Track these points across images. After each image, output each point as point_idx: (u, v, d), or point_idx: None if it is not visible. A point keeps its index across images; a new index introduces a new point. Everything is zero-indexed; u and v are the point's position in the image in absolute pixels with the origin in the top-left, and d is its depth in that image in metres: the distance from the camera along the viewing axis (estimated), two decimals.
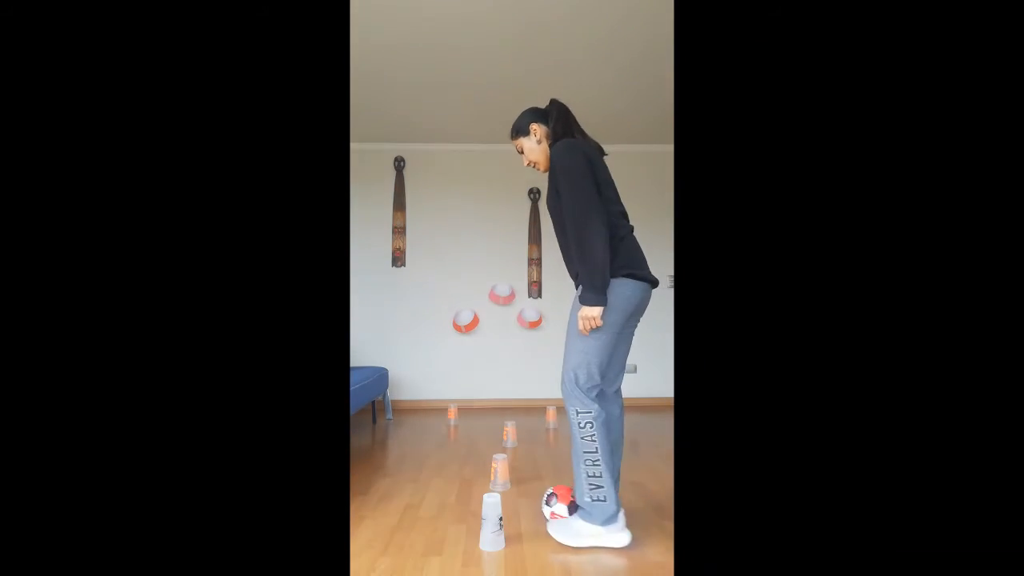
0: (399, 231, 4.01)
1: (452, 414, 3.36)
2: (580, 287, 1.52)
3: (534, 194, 4.07)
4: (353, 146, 4.03)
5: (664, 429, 3.13)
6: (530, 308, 4.01)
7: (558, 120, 1.63)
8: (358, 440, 2.93)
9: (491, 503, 1.50)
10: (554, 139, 1.62)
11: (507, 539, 1.56)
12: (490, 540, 1.49)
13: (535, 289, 4.04)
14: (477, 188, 4.05)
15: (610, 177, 1.59)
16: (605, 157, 1.66)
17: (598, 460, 1.48)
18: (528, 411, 3.76)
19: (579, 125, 1.67)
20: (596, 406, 1.50)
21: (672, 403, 3.97)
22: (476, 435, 3.01)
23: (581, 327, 1.47)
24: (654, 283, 1.55)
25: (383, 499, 1.93)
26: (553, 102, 1.68)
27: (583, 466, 1.50)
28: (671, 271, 4.09)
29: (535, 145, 1.67)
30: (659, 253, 4.07)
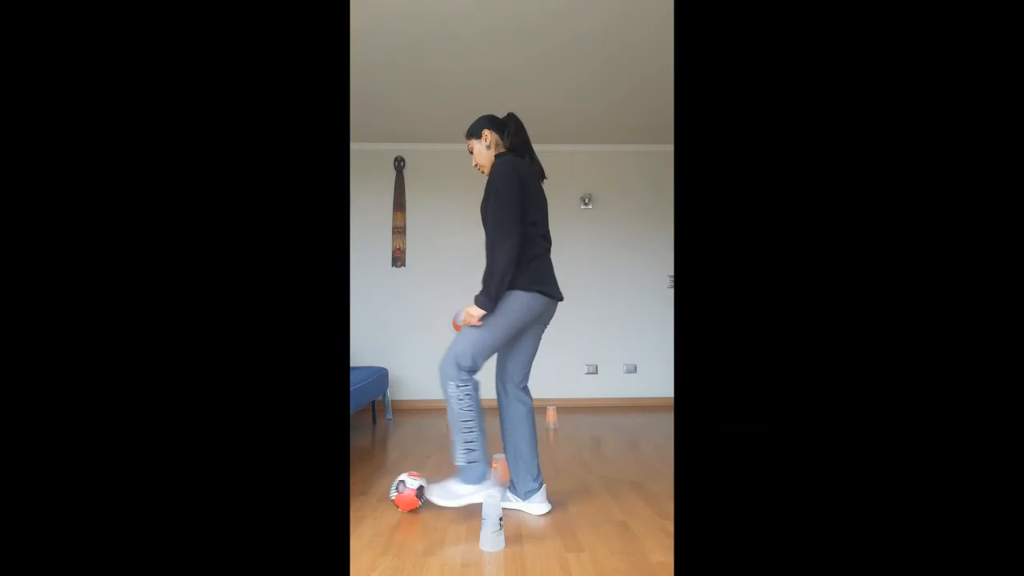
0: (399, 231, 4.01)
1: None
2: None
3: None
4: (353, 146, 4.03)
5: (664, 429, 3.13)
6: None
7: (515, 133, 1.79)
8: (358, 440, 2.93)
9: (491, 503, 1.50)
10: (507, 150, 1.79)
11: (507, 539, 1.56)
12: (490, 540, 1.49)
13: None
14: (477, 188, 4.05)
15: (543, 200, 1.77)
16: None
17: (473, 427, 1.70)
18: None
19: (530, 144, 1.83)
20: (473, 379, 1.72)
21: (672, 403, 3.97)
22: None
23: (462, 319, 1.68)
24: (558, 298, 1.77)
25: (383, 499, 1.93)
26: (511, 116, 1.83)
27: (461, 433, 1.69)
28: (671, 271, 4.09)
29: (484, 149, 1.81)
30: (659, 253, 4.07)
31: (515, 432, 1.80)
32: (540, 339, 1.86)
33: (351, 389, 2.57)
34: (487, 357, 1.72)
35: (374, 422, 3.42)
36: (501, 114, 3.45)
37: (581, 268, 4.06)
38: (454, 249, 4.02)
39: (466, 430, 1.69)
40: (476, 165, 1.84)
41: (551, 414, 3.26)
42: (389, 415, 3.59)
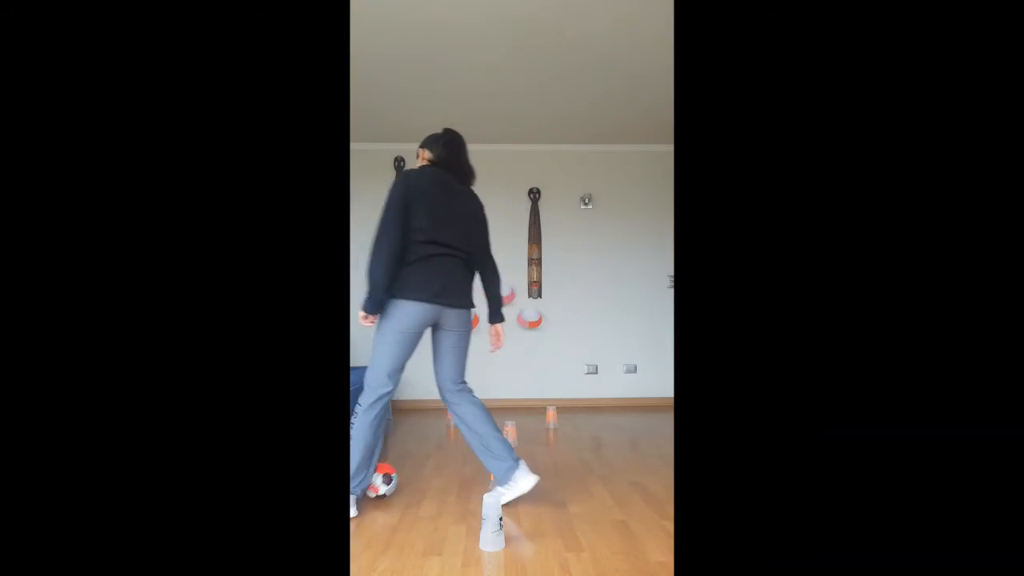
0: None
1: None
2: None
3: (534, 194, 4.07)
4: (353, 146, 4.03)
5: (664, 429, 3.13)
6: (530, 308, 4.01)
7: (444, 146, 1.88)
8: None
9: (491, 503, 1.50)
10: (435, 163, 1.87)
11: (507, 539, 1.56)
12: (490, 540, 1.49)
13: (535, 289, 4.04)
14: (477, 188, 4.03)
15: (447, 208, 1.79)
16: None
17: (351, 447, 1.74)
18: (528, 411, 3.76)
19: (461, 155, 1.91)
20: (369, 405, 1.75)
21: (672, 403, 3.97)
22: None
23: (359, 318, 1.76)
24: (444, 304, 1.78)
25: (383, 499, 1.93)
26: (445, 131, 1.92)
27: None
28: (671, 271, 4.09)
29: (417, 165, 1.90)
30: (659, 253, 4.07)
31: (476, 428, 1.85)
32: (462, 346, 1.89)
33: (351, 389, 2.57)
34: (393, 366, 1.76)
35: None
36: (500, 112, 3.45)
37: (581, 268, 4.06)
38: None
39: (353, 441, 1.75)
40: None
41: (551, 414, 3.25)
42: (389, 415, 3.59)
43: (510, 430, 2.76)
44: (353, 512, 1.74)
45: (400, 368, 1.78)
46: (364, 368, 3.21)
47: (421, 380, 3.95)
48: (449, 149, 1.88)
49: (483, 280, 1.97)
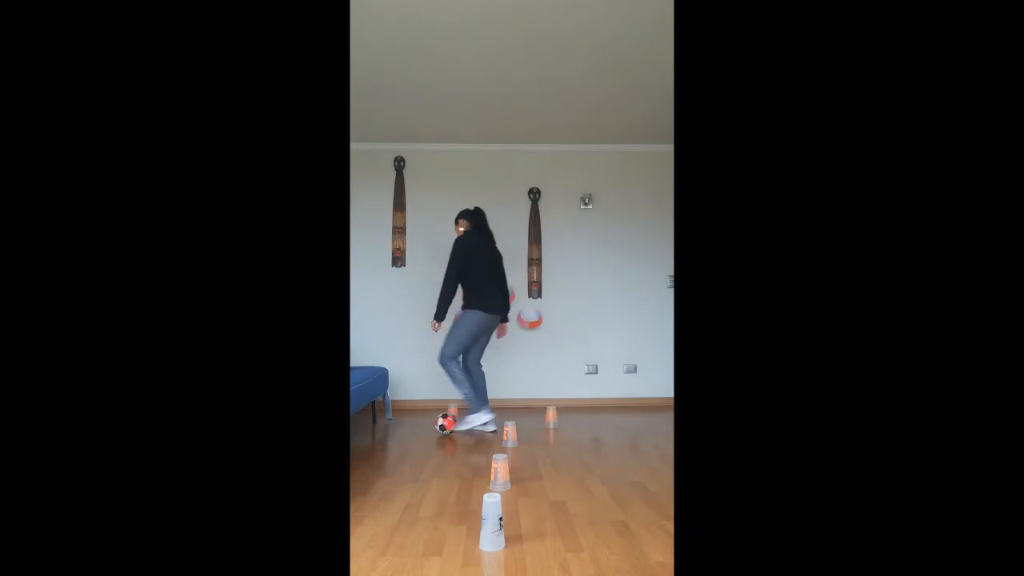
0: (399, 231, 4.00)
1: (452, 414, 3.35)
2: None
3: (534, 194, 4.07)
4: (353, 146, 4.03)
5: (664, 429, 3.13)
6: (530, 308, 4.01)
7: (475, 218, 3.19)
8: (358, 440, 2.93)
9: (491, 503, 1.50)
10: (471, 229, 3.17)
11: (507, 539, 1.56)
12: (490, 540, 1.49)
13: (535, 289, 4.04)
14: (477, 188, 4.05)
15: (488, 258, 3.10)
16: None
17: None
18: (528, 411, 3.76)
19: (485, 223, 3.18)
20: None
21: (672, 403, 3.97)
22: (476, 435, 3.01)
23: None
24: (496, 312, 3.12)
25: (383, 499, 1.93)
26: (474, 208, 3.24)
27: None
28: (671, 271, 4.09)
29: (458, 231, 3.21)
30: (659, 253, 4.07)
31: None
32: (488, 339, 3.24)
33: (351, 389, 2.57)
34: (464, 349, 3.14)
35: (374, 422, 3.42)
36: (501, 113, 3.46)
37: (581, 268, 4.06)
38: None
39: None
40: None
41: (551, 414, 3.25)
42: (389, 415, 3.59)
43: (510, 430, 2.76)
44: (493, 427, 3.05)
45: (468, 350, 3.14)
46: (364, 368, 3.21)
47: (421, 380, 3.96)
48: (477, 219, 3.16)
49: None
